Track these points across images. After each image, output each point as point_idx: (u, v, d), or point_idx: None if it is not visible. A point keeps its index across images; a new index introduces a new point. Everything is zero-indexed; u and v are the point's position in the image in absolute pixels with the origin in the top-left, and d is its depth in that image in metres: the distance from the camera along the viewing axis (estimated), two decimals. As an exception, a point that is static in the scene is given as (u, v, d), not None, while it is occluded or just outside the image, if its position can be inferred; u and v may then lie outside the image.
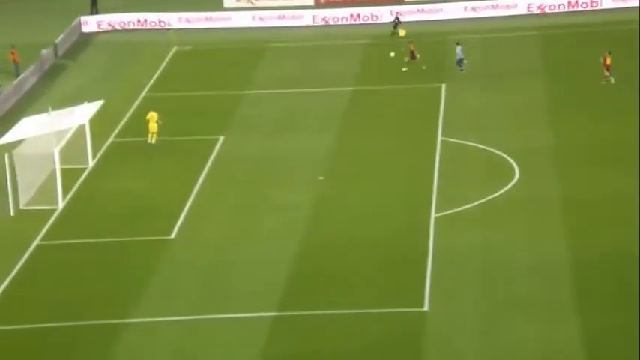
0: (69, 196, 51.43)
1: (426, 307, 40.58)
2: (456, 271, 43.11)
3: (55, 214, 49.74)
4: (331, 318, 40.31)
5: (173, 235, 47.26)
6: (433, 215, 47.67)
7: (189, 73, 68.38)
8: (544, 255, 43.61)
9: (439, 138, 56.17)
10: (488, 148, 54.46)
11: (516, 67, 66.37)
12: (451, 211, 47.92)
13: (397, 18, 74.51)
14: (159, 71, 68.62)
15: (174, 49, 72.05)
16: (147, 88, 65.73)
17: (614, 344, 37.53)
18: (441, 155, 54.01)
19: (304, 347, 38.51)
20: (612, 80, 61.20)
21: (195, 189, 51.57)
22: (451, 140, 55.81)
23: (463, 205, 48.41)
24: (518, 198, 48.92)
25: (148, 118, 56.41)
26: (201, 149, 55.92)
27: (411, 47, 65.80)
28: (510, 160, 52.74)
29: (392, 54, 64.87)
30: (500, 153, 53.73)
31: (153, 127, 55.99)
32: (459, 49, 64.99)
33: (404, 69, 65.32)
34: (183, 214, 49.04)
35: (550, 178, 50.54)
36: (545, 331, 38.62)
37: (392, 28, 73.65)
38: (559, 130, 56.14)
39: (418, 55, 65.32)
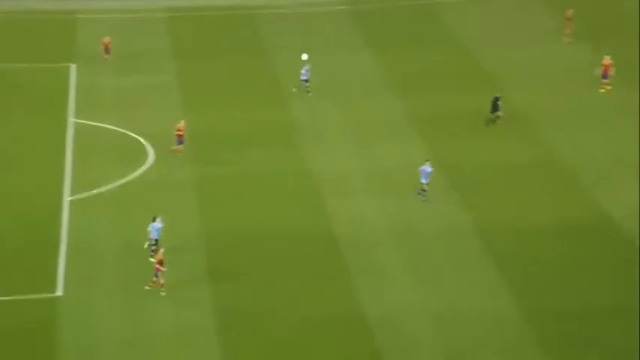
0: None
1: (59, 293, 39.26)
2: (93, 255, 42.31)
3: None
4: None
5: None
6: (67, 198, 46.23)
7: None
8: (179, 234, 43.35)
9: (71, 119, 54.60)
10: (123, 131, 53.48)
11: (146, 47, 65.40)
12: (85, 194, 46.73)
13: None
14: None
15: None
16: None
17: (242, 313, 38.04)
18: (74, 137, 52.53)
19: None
20: None
21: None
22: (84, 122, 54.39)
23: (98, 187, 47.30)
24: (152, 180, 48.49)
25: None
26: None
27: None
28: (145, 143, 52.04)
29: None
30: (135, 135, 52.91)
31: None
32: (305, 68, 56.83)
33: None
34: None
35: (183, 161, 50.30)
36: (180, 308, 38.57)
37: None
38: (191, 111, 55.76)
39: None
